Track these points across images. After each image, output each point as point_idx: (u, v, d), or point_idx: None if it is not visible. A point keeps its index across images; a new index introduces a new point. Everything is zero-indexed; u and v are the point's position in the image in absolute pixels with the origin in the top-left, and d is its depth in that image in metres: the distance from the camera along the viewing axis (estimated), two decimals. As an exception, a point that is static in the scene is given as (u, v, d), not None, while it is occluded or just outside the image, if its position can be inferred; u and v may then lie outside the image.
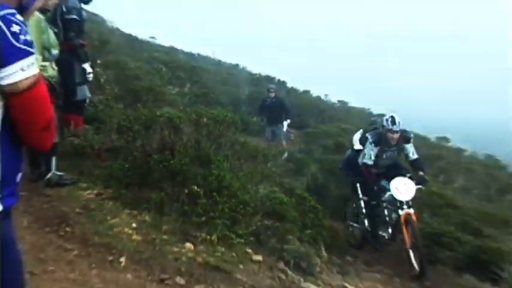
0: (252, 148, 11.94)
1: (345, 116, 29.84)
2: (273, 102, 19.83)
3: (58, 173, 8.09)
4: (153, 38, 32.98)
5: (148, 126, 9.01)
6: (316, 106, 30.70)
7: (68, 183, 8.06)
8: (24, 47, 2.59)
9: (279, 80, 33.29)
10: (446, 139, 36.32)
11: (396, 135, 10.81)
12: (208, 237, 7.61)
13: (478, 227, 12.09)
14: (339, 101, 37.49)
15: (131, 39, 28.74)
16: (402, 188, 10.31)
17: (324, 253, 9.25)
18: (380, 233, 11.27)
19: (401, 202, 10.25)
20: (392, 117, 10.80)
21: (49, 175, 8.00)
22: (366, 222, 11.83)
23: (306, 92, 33.99)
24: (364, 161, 11.19)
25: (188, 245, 7.35)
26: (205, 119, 9.57)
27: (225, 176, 8.44)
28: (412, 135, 11.13)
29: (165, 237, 7.42)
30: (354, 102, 37.92)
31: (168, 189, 8.15)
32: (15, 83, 2.58)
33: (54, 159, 7.99)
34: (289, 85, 31.88)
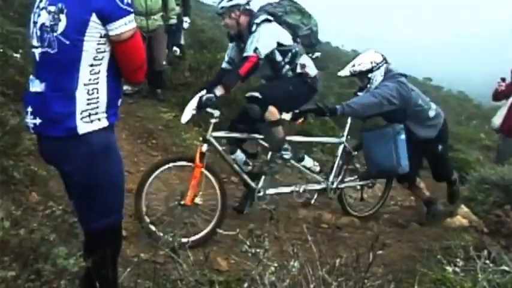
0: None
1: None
2: None
3: None
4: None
5: (211, 66, 8.89)
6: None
7: None
8: (126, 8, 2.63)
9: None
10: (429, 79, 35.16)
11: (227, 21, 5.06)
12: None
13: (450, 144, 11.71)
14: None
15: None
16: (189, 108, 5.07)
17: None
18: None
19: None
20: None
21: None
22: None
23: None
24: None
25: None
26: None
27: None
28: (261, 19, 4.89)
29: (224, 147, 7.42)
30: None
31: (225, 112, 8.09)
32: (120, 34, 2.62)
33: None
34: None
